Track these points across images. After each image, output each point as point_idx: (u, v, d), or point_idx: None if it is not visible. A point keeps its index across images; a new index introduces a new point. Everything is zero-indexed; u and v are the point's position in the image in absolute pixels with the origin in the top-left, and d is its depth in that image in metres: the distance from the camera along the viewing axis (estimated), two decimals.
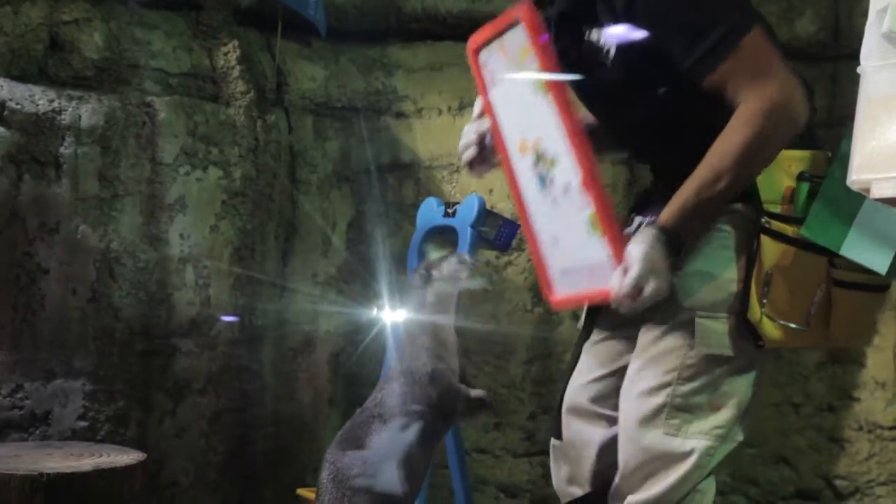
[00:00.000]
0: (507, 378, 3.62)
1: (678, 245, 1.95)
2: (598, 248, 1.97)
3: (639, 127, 2.10)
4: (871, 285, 2.06)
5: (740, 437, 2.09)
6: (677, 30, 1.95)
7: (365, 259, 3.73)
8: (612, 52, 2.00)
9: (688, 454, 2.03)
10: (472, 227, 3.11)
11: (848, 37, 3.32)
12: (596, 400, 2.24)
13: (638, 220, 2.24)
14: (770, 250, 2.00)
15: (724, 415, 2.06)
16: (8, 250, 2.97)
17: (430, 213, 3.27)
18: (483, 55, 2.17)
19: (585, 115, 2.23)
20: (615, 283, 1.91)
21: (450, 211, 3.20)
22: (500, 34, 2.08)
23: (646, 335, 2.10)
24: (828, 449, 3.39)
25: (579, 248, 2.02)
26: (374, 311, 3.46)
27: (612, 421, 2.20)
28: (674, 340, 2.04)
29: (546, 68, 1.97)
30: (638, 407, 2.07)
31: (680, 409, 2.03)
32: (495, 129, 2.20)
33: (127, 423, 3.15)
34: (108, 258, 3.11)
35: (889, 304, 3.29)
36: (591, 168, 1.94)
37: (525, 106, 2.06)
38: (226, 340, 3.36)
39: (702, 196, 1.94)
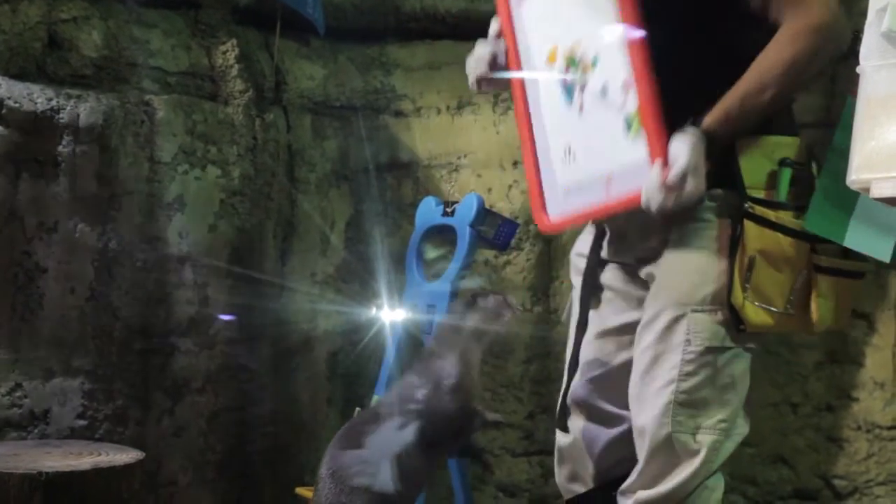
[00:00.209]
0: (505, 377, 3.61)
1: (715, 151, 1.95)
2: (632, 150, 1.96)
3: (664, 55, 2.06)
4: (851, 272, 2.08)
5: (744, 430, 2.10)
6: None
7: (363, 258, 3.73)
8: None
9: (696, 450, 2.04)
10: (471, 226, 3.11)
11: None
12: (601, 397, 2.25)
13: None
14: (753, 235, 2.01)
15: (728, 408, 2.07)
16: (6, 249, 2.96)
17: (428, 212, 3.27)
18: None
19: None
20: (654, 176, 1.90)
21: (449, 210, 3.20)
22: None
23: (643, 334, 2.11)
24: (826, 449, 3.39)
25: (609, 152, 2.01)
26: (373, 311, 3.46)
27: (618, 418, 2.21)
28: (671, 338, 2.05)
29: None
30: (646, 407, 2.08)
31: (684, 406, 2.05)
32: (512, 48, 2.20)
33: (125, 422, 3.15)
34: (106, 257, 3.11)
35: (888, 304, 3.29)
36: (646, 59, 1.93)
37: (570, 8, 2.06)
38: (224, 339, 3.36)
39: (746, 105, 1.97)
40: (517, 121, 2.21)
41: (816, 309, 2.07)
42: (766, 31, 2.00)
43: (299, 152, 3.66)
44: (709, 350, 2.04)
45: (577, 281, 2.32)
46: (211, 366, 3.32)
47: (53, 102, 3.03)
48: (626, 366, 2.16)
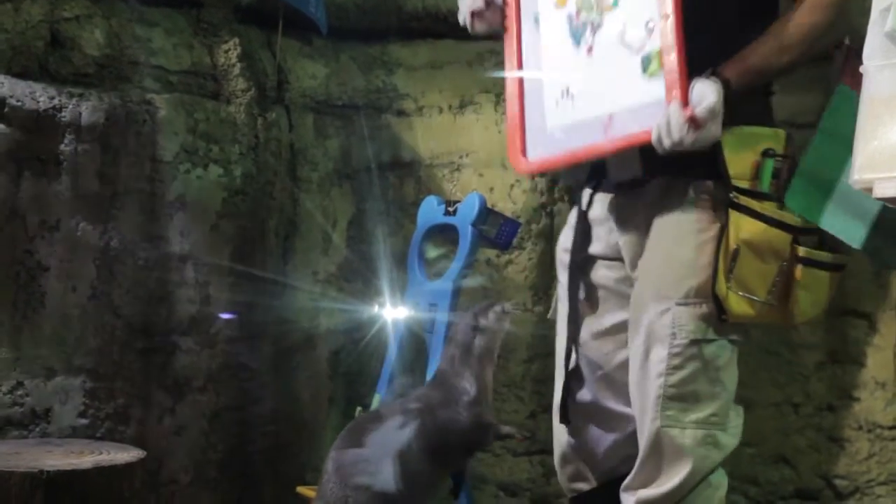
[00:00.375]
0: (507, 377, 3.61)
1: (729, 102, 1.97)
2: (645, 90, 1.97)
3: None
4: (832, 264, 2.09)
5: (739, 423, 2.10)
6: None
7: (365, 257, 3.73)
8: None
9: (689, 445, 2.04)
10: (473, 225, 3.11)
11: (849, 36, 3.31)
12: (606, 398, 2.25)
13: (587, 192, 2.26)
14: (738, 225, 2.02)
15: (718, 401, 2.07)
16: (8, 248, 2.96)
17: (430, 211, 3.27)
18: None
19: None
20: (675, 112, 1.90)
21: (450, 209, 3.20)
22: None
23: (633, 330, 2.11)
24: (828, 449, 3.38)
25: (615, 93, 2.02)
26: (375, 310, 3.46)
27: (624, 417, 2.21)
28: (658, 332, 2.06)
29: None
30: (640, 402, 2.09)
31: (673, 400, 2.05)
32: None
33: (127, 421, 3.15)
34: (108, 256, 3.11)
35: (889, 304, 3.29)
36: None
37: None
38: (226, 338, 3.36)
39: (764, 64, 2.03)
40: (506, 61, 2.20)
41: (797, 301, 2.08)
42: None
43: (301, 151, 3.65)
44: (694, 342, 2.05)
45: (563, 276, 2.33)
46: (212, 364, 3.32)
47: (55, 101, 3.02)
48: (626, 364, 2.17)
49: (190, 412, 3.28)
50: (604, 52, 2.05)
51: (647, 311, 2.08)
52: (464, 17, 2.32)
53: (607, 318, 2.25)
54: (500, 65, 2.28)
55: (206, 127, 3.30)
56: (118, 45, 3.25)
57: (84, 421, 3.08)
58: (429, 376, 2.90)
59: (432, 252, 3.28)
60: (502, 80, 2.27)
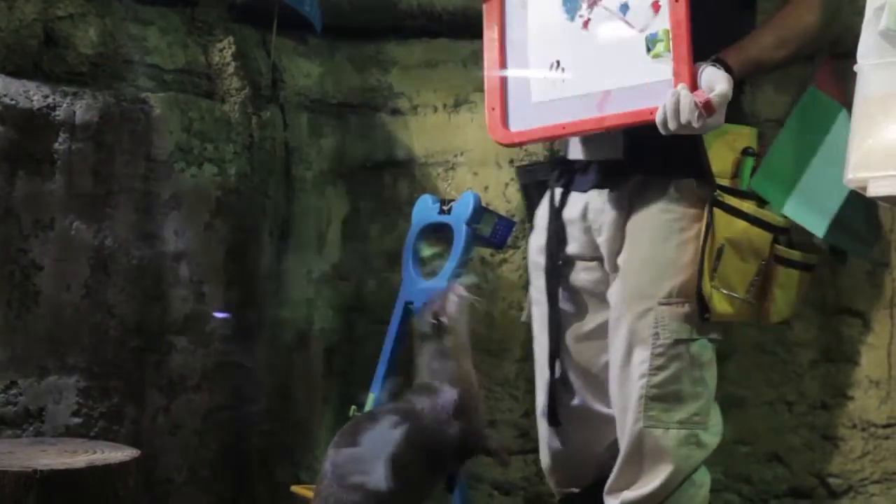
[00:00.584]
0: (501, 375, 3.61)
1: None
2: (649, 70, 1.97)
3: None
4: (805, 264, 2.11)
5: (719, 422, 2.10)
6: None
7: (360, 256, 3.73)
8: None
9: (671, 445, 2.04)
10: (468, 224, 3.10)
11: (843, 35, 3.31)
12: (593, 402, 2.25)
13: (559, 192, 2.24)
14: (722, 224, 2.03)
15: (700, 400, 2.08)
16: (2, 247, 2.96)
17: (425, 210, 3.27)
18: None
19: None
20: (684, 96, 1.89)
21: (445, 208, 3.20)
22: None
23: (614, 331, 2.11)
24: (821, 447, 3.39)
25: (614, 70, 2.01)
26: (369, 309, 3.46)
27: (609, 420, 2.21)
28: (640, 332, 2.06)
29: None
30: (622, 403, 2.08)
31: (656, 400, 2.05)
32: None
33: (121, 420, 3.14)
34: (102, 255, 3.10)
35: (884, 303, 3.29)
36: None
37: None
38: (220, 337, 3.36)
39: (762, 57, 2.07)
40: (486, 29, 2.17)
41: (775, 300, 2.09)
42: None
43: (296, 150, 3.65)
44: (677, 342, 2.05)
45: (539, 279, 2.30)
46: (207, 364, 3.32)
47: (49, 100, 3.02)
48: (608, 366, 2.17)
49: (184, 411, 3.27)
50: (602, 28, 2.03)
51: (628, 311, 2.08)
52: None
53: (589, 320, 2.24)
54: None
55: (200, 126, 3.30)
56: (112, 43, 3.25)
57: (78, 420, 3.08)
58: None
59: (427, 251, 3.28)
60: None
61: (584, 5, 2.05)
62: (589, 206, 2.17)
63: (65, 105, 3.04)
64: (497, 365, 3.60)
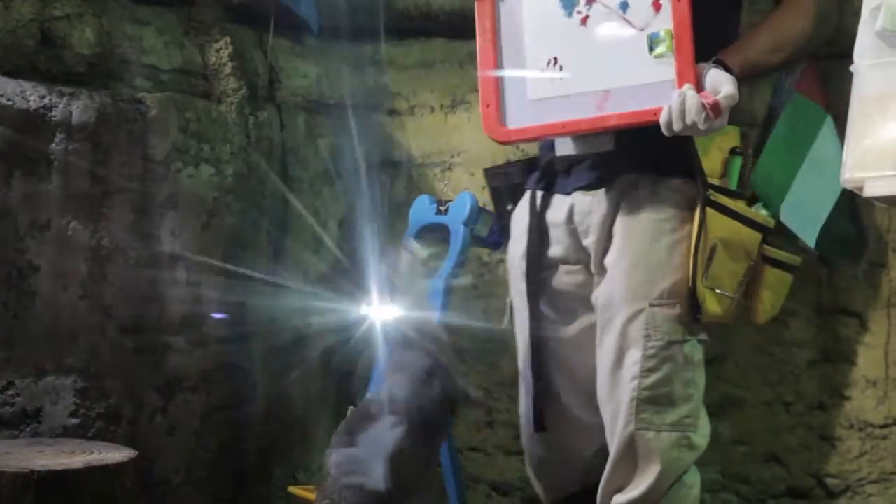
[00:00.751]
0: (499, 375, 3.61)
1: None
2: (651, 70, 1.95)
3: None
4: (791, 265, 2.11)
5: (707, 424, 2.09)
6: None
7: (357, 257, 3.73)
8: None
9: (663, 447, 2.03)
10: (465, 224, 3.11)
11: (840, 36, 3.32)
12: (578, 408, 2.22)
13: (540, 195, 2.21)
14: (715, 224, 2.02)
15: (691, 402, 2.07)
16: None
17: (422, 210, 3.27)
18: None
19: None
20: (691, 97, 1.88)
21: (442, 209, 3.20)
22: None
23: (604, 333, 2.09)
24: (819, 447, 3.39)
25: (615, 69, 1.99)
26: (366, 309, 3.46)
27: (596, 424, 2.18)
28: (631, 334, 2.04)
29: None
30: (612, 406, 2.07)
31: (647, 402, 2.03)
32: None
33: (118, 421, 3.14)
34: (99, 255, 3.10)
35: (881, 303, 3.30)
36: None
37: None
38: (217, 338, 3.35)
39: (759, 60, 2.05)
40: (479, 26, 2.13)
41: (762, 300, 2.09)
42: None
43: (293, 151, 3.65)
44: (670, 344, 2.04)
45: (521, 284, 2.26)
46: (204, 364, 3.32)
47: (46, 100, 3.02)
48: (594, 370, 2.14)
49: (181, 412, 3.27)
50: (601, 25, 2.01)
51: (618, 314, 2.06)
52: None
53: (572, 324, 2.21)
54: None
55: (197, 126, 3.30)
56: (109, 43, 3.24)
57: (75, 420, 3.08)
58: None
59: (424, 251, 3.28)
60: None
61: (583, 1, 2.03)
62: (575, 209, 2.15)
63: (61, 105, 3.04)
64: (494, 365, 3.60)
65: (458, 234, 3.12)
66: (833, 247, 2.32)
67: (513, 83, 2.10)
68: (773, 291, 2.10)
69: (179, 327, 3.26)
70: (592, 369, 2.17)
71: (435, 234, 3.25)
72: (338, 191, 3.78)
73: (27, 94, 3.00)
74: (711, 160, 2.07)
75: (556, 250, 2.20)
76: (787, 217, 2.14)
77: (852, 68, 1.75)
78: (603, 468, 2.14)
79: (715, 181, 2.06)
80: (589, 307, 2.16)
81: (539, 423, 2.24)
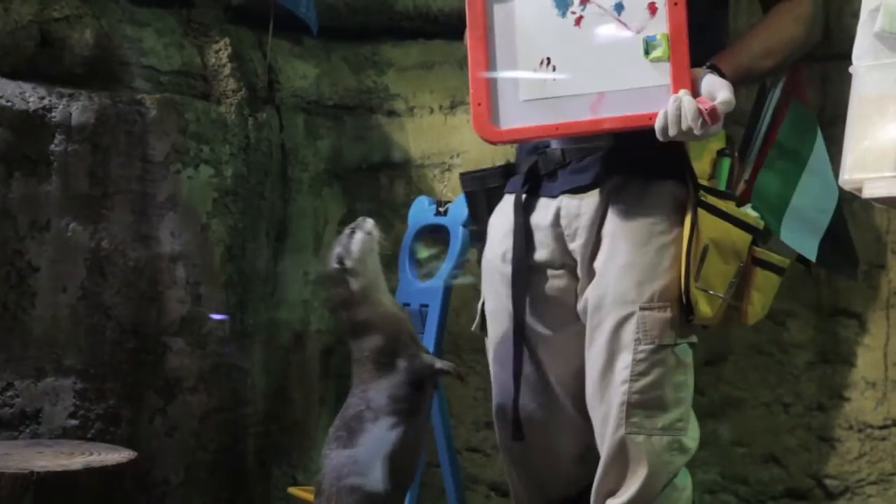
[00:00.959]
0: None
1: None
2: (646, 73, 1.93)
3: None
4: (779, 267, 2.10)
5: (695, 426, 2.08)
6: None
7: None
8: None
9: (655, 451, 2.02)
10: (464, 225, 3.11)
11: (838, 37, 3.32)
12: (560, 409, 2.20)
13: (523, 198, 2.19)
14: (706, 225, 2.01)
15: (682, 406, 2.05)
16: None
17: (421, 211, 3.27)
18: None
19: None
20: (687, 102, 1.87)
21: (441, 210, 3.20)
22: None
23: (592, 337, 2.06)
24: (818, 448, 3.39)
25: (609, 71, 1.97)
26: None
27: (582, 430, 2.15)
28: (622, 338, 2.02)
29: None
30: (604, 410, 2.05)
31: (638, 406, 2.01)
32: None
33: (118, 422, 3.14)
34: (98, 256, 3.10)
35: (880, 304, 3.30)
36: None
37: None
38: (217, 339, 3.35)
39: (751, 66, 2.04)
40: (469, 24, 2.11)
41: (752, 302, 2.08)
42: None
43: (292, 151, 3.65)
44: (661, 347, 2.02)
45: (503, 288, 2.21)
46: (203, 365, 3.31)
47: (45, 101, 3.02)
48: (582, 374, 2.12)
49: (181, 413, 3.27)
50: (595, 26, 1.99)
51: (608, 317, 2.04)
52: None
53: (554, 330, 2.18)
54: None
55: (196, 127, 3.30)
56: (108, 45, 3.25)
57: (74, 422, 3.08)
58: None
59: (423, 252, 3.28)
60: None
61: (577, 2, 2.01)
62: (561, 212, 2.12)
63: (61, 106, 3.04)
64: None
65: (458, 235, 3.13)
66: (833, 259, 2.30)
67: (505, 83, 2.07)
68: (762, 293, 2.09)
69: (179, 328, 3.26)
70: (573, 375, 2.14)
71: (434, 235, 3.25)
72: (337, 191, 3.78)
73: (27, 96, 3.00)
74: (700, 162, 2.06)
75: (541, 254, 2.16)
76: (787, 235, 2.13)
77: (851, 70, 1.75)
78: (587, 476, 2.12)
79: (704, 182, 2.05)
80: (571, 312, 2.13)
81: (518, 433, 2.20)
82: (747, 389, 3.42)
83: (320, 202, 3.72)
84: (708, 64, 1.96)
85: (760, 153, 2.22)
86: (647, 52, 1.95)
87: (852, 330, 3.34)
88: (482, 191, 2.37)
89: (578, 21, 2.01)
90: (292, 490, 3.26)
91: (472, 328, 2.31)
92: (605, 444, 2.05)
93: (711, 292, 2.02)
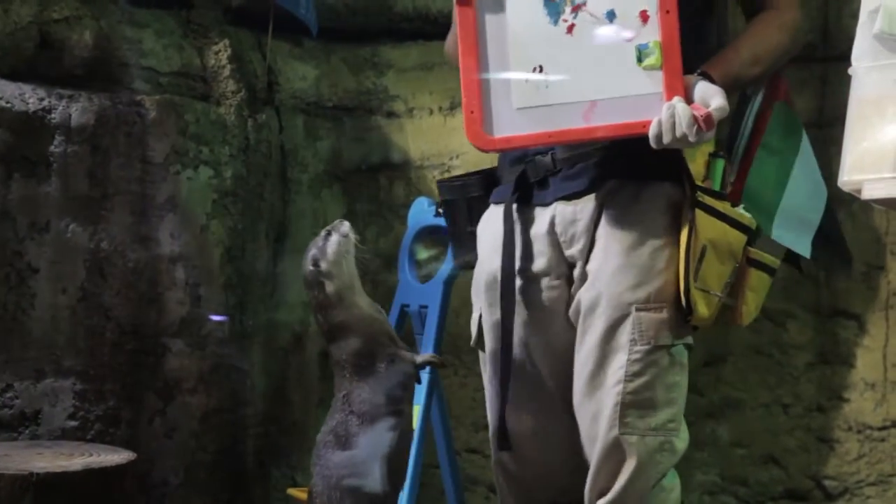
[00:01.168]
0: None
1: None
2: (639, 81, 1.93)
3: None
4: (772, 267, 2.10)
5: (685, 428, 2.08)
6: None
7: (356, 259, 3.72)
8: None
9: (646, 451, 2.02)
10: None
11: (837, 38, 3.32)
12: (544, 422, 2.19)
13: (514, 207, 2.18)
14: (704, 225, 2.01)
15: (675, 407, 2.05)
16: None
17: (421, 212, 3.27)
18: None
19: None
20: (682, 110, 1.86)
21: (441, 211, 3.20)
22: None
23: (584, 339, 2.06)
24: (817, 449, 3.39)
25: (601, 79, 1.96)
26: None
27: (571, 434, 2.14)
28: (616, 339, 2.02)
29: None
30: (593, 410, 2.05)
31: (632, 407, 2.01)
32: None
33: (117, 423, 3.14)
34: (98, 258, 3.10)
35: (879, 305, 3.30)
36: None
37: None
38: (216, 340, 3.35)
39: (743, 72, 2.05)
40: (461, 30, 2.10)
41: (747, 302, 2.08)
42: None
43: (291, 153, 3.65)
44: (657, 348, 2.02)
45: (492, 297, 2.18)
46: (203, 366, 3.32)
47: (45, 102, 3.02)
48: (568, 380, 2.11)
49: (180, 414, 3.27)
50: (587, 34, 1.99)
51: (602, 317, 2.04)
52: None
53: (546, 338, 2.18)
54: None
55: (196, 128, 3.30)
56: (108, 46, 3.25)
57: (74, 423, 3.08)
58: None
59: (423, 253, 3.28)
60: None
61: (568, 10, 2.01)
62: (556, 219, 2.12)
63: (60, 108, 3.04)
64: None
65: None
66: (826, 257, 2.32)
67: (497, 91, 2.06)
68: (755, 293, 2.09)
69: (178, 329, 3.26)
70: (562, 382, 2.13)
71: (434, 235, 3.25)
72: (337, 193, 3.78)
73: (26, 97, 3.00)
74: (694, 163, 2.06)
75: (537, 263, 2.15)
76: (779, 234, 2.14)
77: (850, 71, 1.75)
78: (578, 488, 2.11)
79: (699, 183, 2.05)
80: (563, 320, 2.12)
81: (504, 442, 2.20)
82: (747, 390, 3.43)
83: (320, 203, 3.72)
84: (699, 71, 1.96)
85: (746, 156, 2.23)
86: (639, 60, 1.95)
87: (851, 331, 3.34)
88: (463, 199, 2.36)
89: (570, 29, 2.01)
90: (291, 491, 3.26)
91: (472, 343, 2.30)
92: (596, 443, 2.05)
93: (711, 293, 2.02)
